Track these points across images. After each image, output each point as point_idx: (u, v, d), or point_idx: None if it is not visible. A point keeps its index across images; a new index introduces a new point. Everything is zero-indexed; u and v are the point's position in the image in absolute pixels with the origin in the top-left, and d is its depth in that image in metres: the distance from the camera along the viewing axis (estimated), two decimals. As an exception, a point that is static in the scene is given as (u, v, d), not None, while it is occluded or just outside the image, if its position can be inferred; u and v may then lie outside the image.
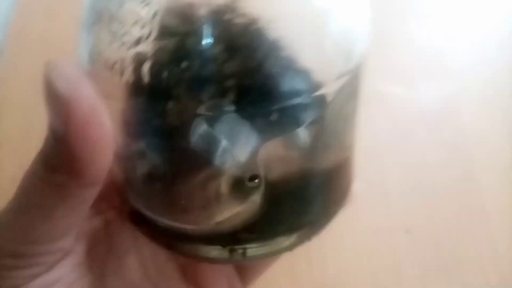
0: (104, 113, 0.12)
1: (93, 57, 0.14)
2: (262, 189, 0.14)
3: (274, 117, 0.13)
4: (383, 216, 0.31)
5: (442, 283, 0.29)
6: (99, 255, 0.18)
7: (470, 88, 0.36)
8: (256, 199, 0.15)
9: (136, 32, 0.12)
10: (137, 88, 0.13)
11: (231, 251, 0.16)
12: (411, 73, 0.36)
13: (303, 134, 0.14)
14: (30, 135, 0.31)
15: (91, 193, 0.14)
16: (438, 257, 0.30)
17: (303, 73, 0.13)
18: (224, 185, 0.14)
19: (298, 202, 0.16)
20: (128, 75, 0.13)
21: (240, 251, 0.16)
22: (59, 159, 0.13)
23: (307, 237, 0.17)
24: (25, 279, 0.15)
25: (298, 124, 0.14)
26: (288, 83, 0.13)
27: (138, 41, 0.13)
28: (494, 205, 0.32)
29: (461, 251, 0.30)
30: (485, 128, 0.35)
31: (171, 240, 0.17)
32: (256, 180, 0.14)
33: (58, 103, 0.12)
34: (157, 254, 0.20)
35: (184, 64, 0.12)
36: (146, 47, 0.12)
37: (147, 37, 0.12)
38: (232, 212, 0.15)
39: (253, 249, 0.16)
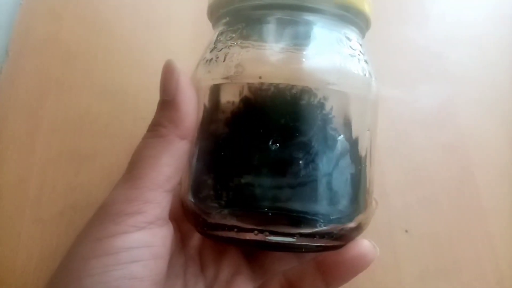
0: (191, 85, 0.20)
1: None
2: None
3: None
4: (383, 216, 0.31)
5: (441, 282, 0.30)
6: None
7: (468, 91, 0.36)
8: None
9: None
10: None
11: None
12: (410, 76, 0.37)
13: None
14: (35, 137, 0.31)
15: (185, 147, 0.20)
16: (437, 256, 0.31)
17: None
18: None
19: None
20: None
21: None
22: (165, 115, 0.20)
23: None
24: (130, 227, 0.18)
25: None
26: None
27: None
28: (491, 205, 0.32)
29: (460, 251, 0.31)
30: (482, 130, 0.35)
31: (213, 226, 0.20)
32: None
33: (173, 76, 0.20)
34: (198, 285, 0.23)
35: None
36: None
37: None
38: None
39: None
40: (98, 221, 0.19)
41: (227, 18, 0.22)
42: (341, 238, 0.21)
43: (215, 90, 0.21)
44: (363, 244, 0.21)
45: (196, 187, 0.21)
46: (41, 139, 0.31)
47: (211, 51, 0.21)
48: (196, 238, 0.24)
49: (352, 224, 0.21)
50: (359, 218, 0.21)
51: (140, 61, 0.34)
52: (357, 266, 0.21)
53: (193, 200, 0.21)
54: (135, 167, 0.19)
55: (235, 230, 0.19)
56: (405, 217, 0.32)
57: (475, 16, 0.40)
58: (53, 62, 0.34)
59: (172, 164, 0.20)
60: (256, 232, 0.19)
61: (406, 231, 0.31)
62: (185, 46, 0.35)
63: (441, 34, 0.39)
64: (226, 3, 0.22)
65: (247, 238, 0.19)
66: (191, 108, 0.20)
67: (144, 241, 0.18)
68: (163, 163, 0.19)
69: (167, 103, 0.20)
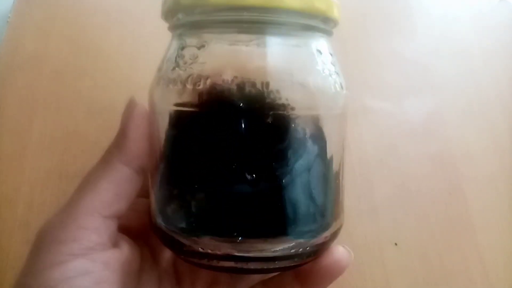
0: (145, 116, 0.20)
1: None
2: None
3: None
4: (372, 229, 0.31)
5: (430, 294, 0.30)
6: (130, 282, 0.20)
7: (455, 102, 0.37)
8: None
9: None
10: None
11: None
12: (397, 89, 0.37)
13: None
14: (23, 156, 0.31)
15: (127, 173, 0.20)
16: (426, 269, 0.31)
17: None
18: None
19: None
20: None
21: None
22: (113, 142, 0.20)
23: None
24: (65, 256, 0.17)
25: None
26: None
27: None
28: (480, 216, 0.33)
29: (449, 263, 0.31)
30: (470, 141, 0.35)
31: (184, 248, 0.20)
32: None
33: (129, 108, 0.20)
34: None
35: None
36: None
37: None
38: None
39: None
40: (36, 250, 0.18)
41: (187, 30, 0.20)
42: (311, 255, 0.20)
43: (176, 114, 0.20)
44: (338, 251, 0.21)
45: (162, 212, 0.21)
46: (29, 159, 0.31)
47: (172, 70, 0.20)
48: (169, 250, 0.23)
49: (322, 239, 0.20)
50: (329, 232, 0.21)
51: (128, 78, 0.34)
52: (332, 273, 0.21)
53: (163, 224, 0.20)
54: (75, 193, 0.19)
55: (198, 257, 0.19)
56: (394, 230, 0.32)
57: (462, 29, 0.40)
58: (40, 80, 0.34)
59: (111, 189, 0.19)
60: (218, 260, 0.19)
61: (395, 244, 0.31)
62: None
63: (428, 46, 0.39)
64: (184, 11, 0.20)
65: (219, 265, 0.19)
66: (138, 135, 0.20)
67: (83, 268, 0.18)
68: (100, 188, 0.19)
69: (119, 130, 0.20)
